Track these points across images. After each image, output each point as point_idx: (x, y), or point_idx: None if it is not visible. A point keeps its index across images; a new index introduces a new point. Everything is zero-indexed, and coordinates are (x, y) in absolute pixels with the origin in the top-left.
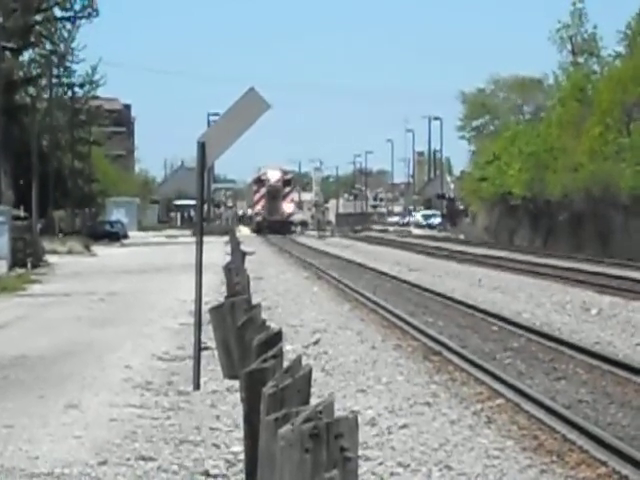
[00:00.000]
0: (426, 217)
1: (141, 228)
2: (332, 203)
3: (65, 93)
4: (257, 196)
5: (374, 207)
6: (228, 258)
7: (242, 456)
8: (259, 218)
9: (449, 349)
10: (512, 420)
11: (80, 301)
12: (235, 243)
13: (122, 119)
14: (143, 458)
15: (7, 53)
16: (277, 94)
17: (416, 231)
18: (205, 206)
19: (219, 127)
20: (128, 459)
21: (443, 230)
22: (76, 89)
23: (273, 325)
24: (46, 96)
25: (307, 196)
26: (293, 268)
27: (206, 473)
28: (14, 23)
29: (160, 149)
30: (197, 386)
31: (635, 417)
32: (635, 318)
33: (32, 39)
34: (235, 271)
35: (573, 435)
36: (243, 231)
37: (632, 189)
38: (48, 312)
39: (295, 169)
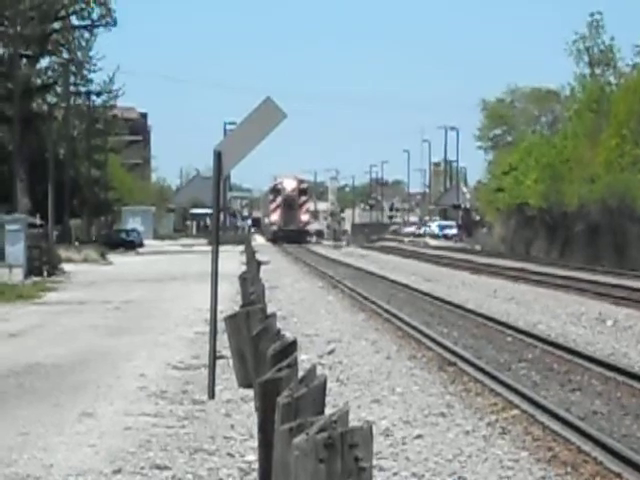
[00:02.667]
0: (442, 227)
1: (157, 237)
2: (348, 213)
3: (82, 101)
4: (273, 205)
5: (390, 217)
6: (243, 267)
7: (256, 465)
8: (275, 227)
9: (464, 360)
10: (527, 431)
11: (96, 309)
12: (250, 252)
13: (138, 128)
14: (157, 467)
15: (24, 60)
16: (293, 103)
17: (432, 242)
18: (221, 215)
19: (235, 136)
20: (142, 468)
21: (459, 241)
22: (93, 97)
23: (288, 334)
24: (63, 104)
25: (323, 205)
26: (308, 277)
27: None
28: (31, 31)
29: (176, 158)
30: (212, 395)
31: None
32: None
33: (49, 47)
34: (250, 280)
35: (588, 446)
36: (258, 240)
37: None
38: (63, 320)
39: (311, 178)
